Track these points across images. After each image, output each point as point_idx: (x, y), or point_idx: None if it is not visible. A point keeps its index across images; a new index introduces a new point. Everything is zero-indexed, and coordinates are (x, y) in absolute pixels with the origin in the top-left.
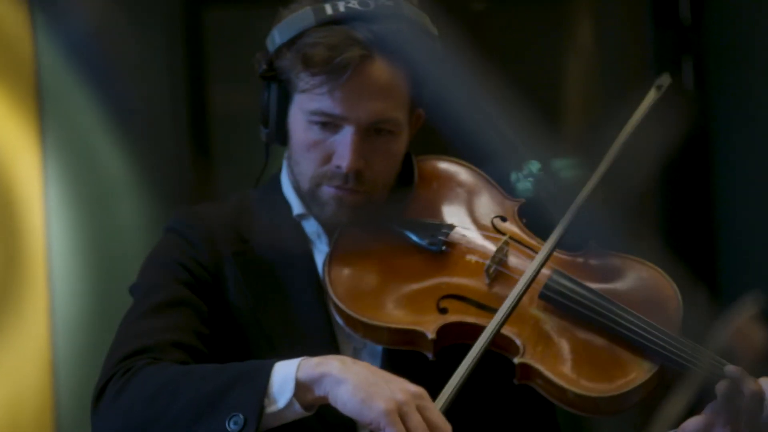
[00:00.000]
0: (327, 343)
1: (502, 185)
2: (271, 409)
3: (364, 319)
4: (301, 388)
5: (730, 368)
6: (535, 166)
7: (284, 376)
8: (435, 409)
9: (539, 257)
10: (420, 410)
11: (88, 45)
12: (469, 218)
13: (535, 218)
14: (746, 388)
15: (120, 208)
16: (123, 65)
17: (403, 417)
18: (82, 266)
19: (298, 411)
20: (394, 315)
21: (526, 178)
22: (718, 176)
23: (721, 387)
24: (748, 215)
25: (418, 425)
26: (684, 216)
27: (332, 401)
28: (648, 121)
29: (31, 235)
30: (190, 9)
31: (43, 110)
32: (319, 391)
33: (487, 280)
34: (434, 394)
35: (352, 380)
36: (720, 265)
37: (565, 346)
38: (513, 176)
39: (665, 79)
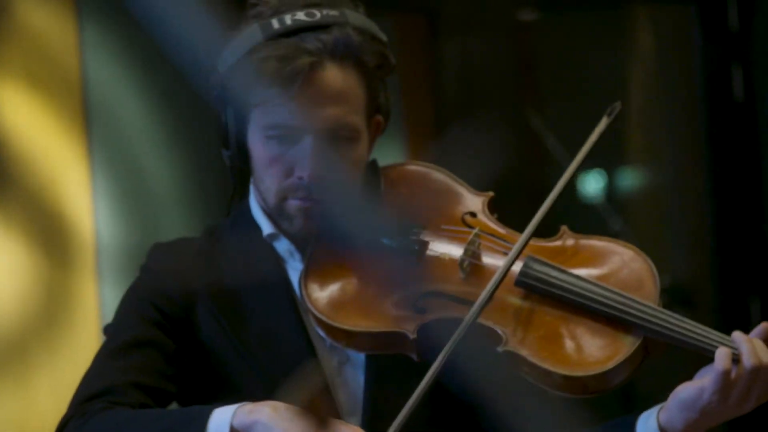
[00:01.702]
0: (307, 361)
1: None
2: None
3: (346, 328)
4: None
5: (738, 336)
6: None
7: (219, 422)
8: None
9: (516, 248)
10: None
11: (135, 59)
12: (438, 217)
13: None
14: (747, 360)
15: (168, 221)
16: (170, 79)
17: None
18: (132, 279)
19: None
20: (375, 320)
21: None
22: None
23: (720, 354)
24: None
25: None
26: (736, 225)
27: None
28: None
29: (81, 249)
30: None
31: (90, 125)
32: None
33: (462, 275)
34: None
35: (281, 428)
36: None
37: (546, 330)
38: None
39: (616, 106)
